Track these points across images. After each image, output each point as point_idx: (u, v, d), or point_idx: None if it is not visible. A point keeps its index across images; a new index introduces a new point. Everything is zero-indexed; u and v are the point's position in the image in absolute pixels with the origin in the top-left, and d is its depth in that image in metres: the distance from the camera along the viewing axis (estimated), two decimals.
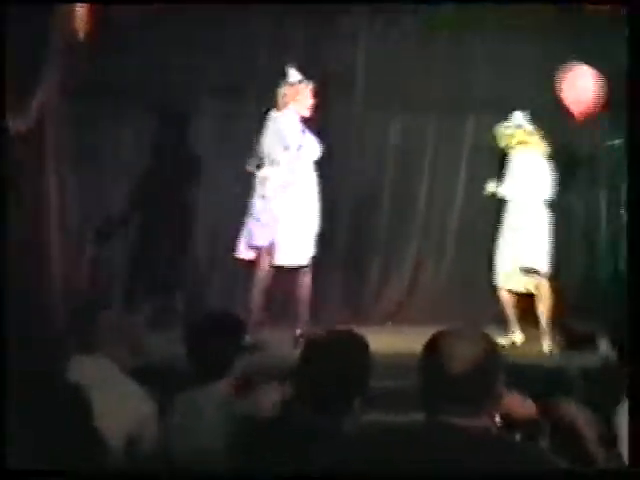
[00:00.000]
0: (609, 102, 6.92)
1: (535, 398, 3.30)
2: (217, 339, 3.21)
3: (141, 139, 6.74)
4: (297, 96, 5.71)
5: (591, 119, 6.52)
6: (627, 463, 3.02)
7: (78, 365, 3.13)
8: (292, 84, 5.73)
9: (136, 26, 6.26)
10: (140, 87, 6.53)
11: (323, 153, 5.97)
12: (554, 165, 6.41)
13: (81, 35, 5.21)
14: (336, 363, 2.48)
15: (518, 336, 6.33)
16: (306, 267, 5.83)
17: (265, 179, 5.69)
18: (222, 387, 3.16)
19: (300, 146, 5.69)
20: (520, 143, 6.38)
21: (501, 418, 2.88)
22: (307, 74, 5.85)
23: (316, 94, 5.82)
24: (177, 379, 3.36)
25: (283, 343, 5.50)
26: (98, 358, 3.22)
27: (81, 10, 5.10)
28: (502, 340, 5.98)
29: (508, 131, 6.40)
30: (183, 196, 6.75)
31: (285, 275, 5.86)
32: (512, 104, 6.51)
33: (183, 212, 6.75)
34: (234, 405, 3.08)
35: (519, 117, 6.39)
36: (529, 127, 6.38)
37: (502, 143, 6.46)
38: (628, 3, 4.22)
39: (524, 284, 6.31)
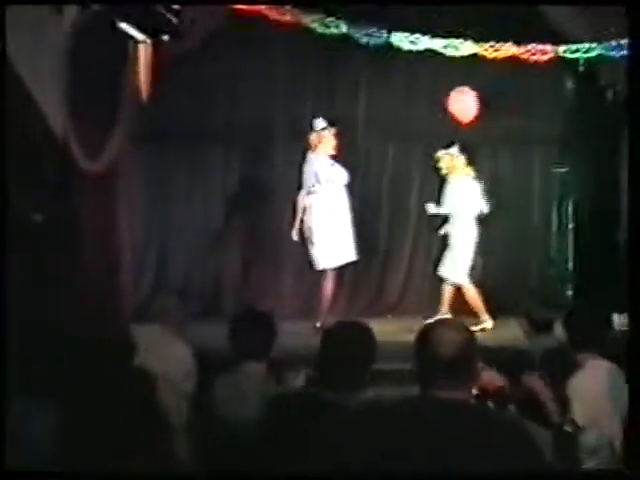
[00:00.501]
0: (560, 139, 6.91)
1: (505, 374, 3.28)
2: (256, 330, 3.20)
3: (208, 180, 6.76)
4: (323, 139, 5.91)
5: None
6: (580, 426, 2.98)
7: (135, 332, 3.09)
8: (318, 131, 5.92)
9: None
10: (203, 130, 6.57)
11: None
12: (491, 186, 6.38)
13: (145, 94, 5.20)
14: (348, 349, 2.48)
15: (489, 323, 6.29)
16: (332, 271, 5.93)
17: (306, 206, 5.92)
18: (258, 368, 3.14)
19: (329, 179, 5.89)
20: (451, 168, 6.36)
21: (478, 391, 2.86)
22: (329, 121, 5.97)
23: (338, 136, 5.95)
24: (222, 361, 3.36)
25: (307, 333, 5.47)
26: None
27: (144, 71, 5.09)
28: (475, 327, 5.96)
29: (443, 158, 6.38)
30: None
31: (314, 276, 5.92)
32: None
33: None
34: (267, 383, 3.07)
35: (453, 147, 6.38)
36: (458, 155, 6.35)
37: (441, 167, 6.42)
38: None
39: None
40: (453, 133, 6.93)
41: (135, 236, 6.00)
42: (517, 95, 7.01)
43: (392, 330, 5.46)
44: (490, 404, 2.98)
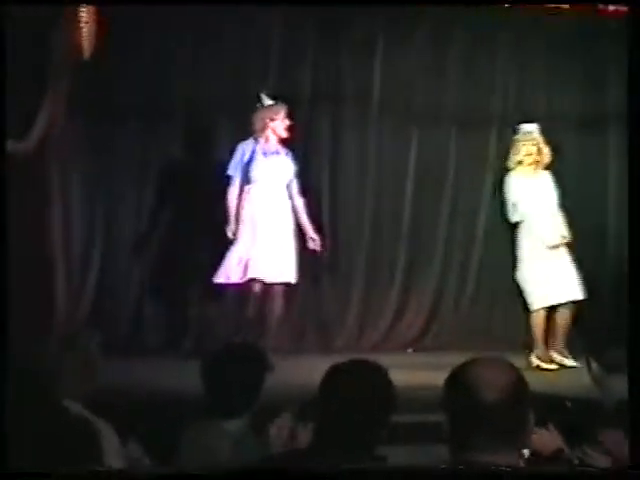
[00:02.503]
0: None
1: (564, 430, 3.29)
2: (239, 373, 3.18)
3: (148, 158, 6.77)
4: (273, 120, 5.95)
5: None
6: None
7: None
8: (266, 108, 5.97)
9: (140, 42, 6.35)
10: (144, 104, 6.60)
11: (342, 174, 6.12)
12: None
13: (86, 53, 5.23)
14: (353, 397, 2.48)
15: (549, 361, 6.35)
16: (284, 285, 5.97)
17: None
18: (239, 423, 3.14)
19: (262, 173, 5.93)
20: (536, 160, 6.42)
21: (531, 454, 2.87)
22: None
23: (290, 115, 6.02)
24: (188, 412, 3.36)
25: (301, 372, 5.50)
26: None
27: (86, 27, 5.13)
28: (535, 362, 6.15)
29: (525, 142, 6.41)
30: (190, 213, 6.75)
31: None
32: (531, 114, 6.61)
33: (193, 232, 6.74)
34: (250, 443, 3.07)
35: (533, 127, 6.43)
36: (540, 138, 6.42)
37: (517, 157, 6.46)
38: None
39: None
40: (493, 111, 7.04)
41: (72, 236, 6.02)
42: (583, 59, 7.08)
43: (413, 369, 5.48)
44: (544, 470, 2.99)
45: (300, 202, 6.13)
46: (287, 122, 6.02)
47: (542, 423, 3.15)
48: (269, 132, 5.97)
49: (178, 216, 6.71)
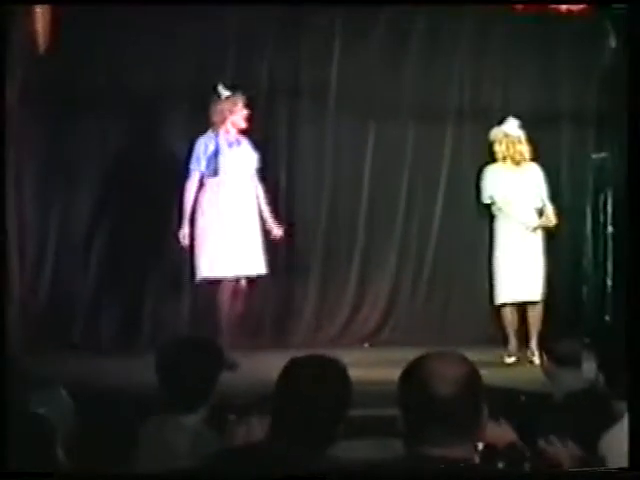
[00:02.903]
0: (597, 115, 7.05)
1: (518, 425, 3.34)
2: (195, 367, 3.19)
3: (105, 153, 6.73)
4: (232, 111, 5.93)
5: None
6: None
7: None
8: (224, 100, 5.94)
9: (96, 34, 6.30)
10: (98, 99, 6.55)
11: (299, 167, 6.13)
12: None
13: (41, 45, 5.19)
14: (312, 391, 2.50)
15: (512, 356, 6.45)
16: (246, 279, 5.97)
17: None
18: (196, 418, 3.15)
19: (227, 164, 5.90)
20: (511, 152, 6.48)
21: (484, 447, 2.91)
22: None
23: (248, 105, 6.00)
24: (144, 407, 3.36)
25: (258, 367, 5.52)
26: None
27: (41, 20, 5.09)
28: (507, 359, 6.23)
29: (502, 140, 6.48)
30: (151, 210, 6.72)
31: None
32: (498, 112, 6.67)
33: (151, 229, 6.72)
34: (207, 436, 3.08)
35: (513, 124, 6.49)
36: (522, 135, 6.49)
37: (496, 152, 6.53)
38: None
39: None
40: (455, 107, 7.10)
41: (26, 231, 5.97)
42: (542, 58, 7.16)
43: (370, 364, 5.50)
44: (499, 465, 3.04)
45: (261, 192, 6.12)
46: (245, 112, 6.00)
47: (495, 417, 3.20)
48: (228, 124, 5.95)
49: (133, 211, 6.67)
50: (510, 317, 6.52)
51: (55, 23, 5.28)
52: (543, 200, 6.54)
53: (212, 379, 3.21)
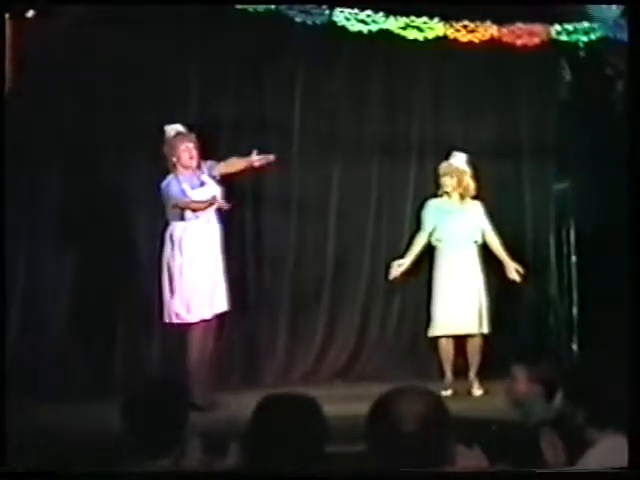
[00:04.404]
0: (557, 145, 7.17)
1: (490, 455, 3.37)
2: (161, 410, 3.18)
3: (68, 200, 6.72)
4: (179, 150, 5.94)
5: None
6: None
7: None
8: (173, 139, 5.97)
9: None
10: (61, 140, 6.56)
11: (265, 203, 6.25)
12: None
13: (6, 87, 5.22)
14: (288, 430, 2.52)
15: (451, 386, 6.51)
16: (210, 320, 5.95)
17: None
18: (166, 463, 3.14)
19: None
20: (459, 187, 6.57)
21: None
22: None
23: (202, 143, 6.03)
24: (115, 453, 3.35)
25: (230, 406, 5.52)
26: None
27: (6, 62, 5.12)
28: (445, 392, 6.20)
29: (452, 173, 6.57)
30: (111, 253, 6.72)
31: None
32: (452, 145, 6.76)
33: (115, 270, 6.72)
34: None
35: (461, 158, 6.60)
36: (468, 169, 6.59)
37: (445, 185, 6.61)
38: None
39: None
40: (413, 141, 7.20)
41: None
42: (499, 90, 7.29)
43: (340, 400, 5.52)
44: None
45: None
46: (193, 150, 5.97)
47: (467, 443, 3.23)
48: (178, 163, 5.95)
49: (100, 255, 6.65)
50: (445, 349, 6.60)
51: (19, 63, 5.27)
52: (485, 236, 6.62)
53: (180, 424, 3.21)
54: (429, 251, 6.69)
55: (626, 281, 6.55)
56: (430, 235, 6.63)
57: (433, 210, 6.65)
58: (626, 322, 5.72)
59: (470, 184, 6.61)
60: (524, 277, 6.64)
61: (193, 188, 5.95)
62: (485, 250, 6.64)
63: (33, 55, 5.74)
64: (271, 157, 6.06)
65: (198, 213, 5.93)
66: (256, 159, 6.00)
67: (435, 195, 6.72)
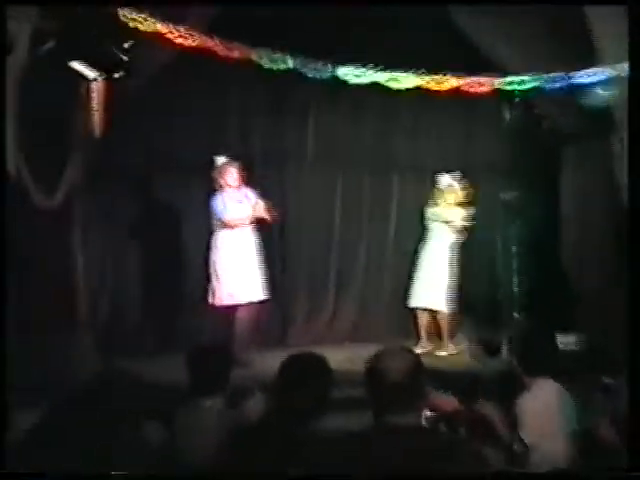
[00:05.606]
0: (503, 164, 7.16)
1: (459, 398, 3.38)
2: (210, 363, 3.22)
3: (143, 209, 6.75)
4: (225, 175, 5.96)
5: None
6: (528, 446, 3.07)
7: None
8: (220, 166, 6.00)
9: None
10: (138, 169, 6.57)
11: (286, 212, 6.34)
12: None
13: (97, 130, 5.23)
14: (303, 379, 2.54)
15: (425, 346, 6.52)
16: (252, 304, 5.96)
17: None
18: (216, 401, 3.17)
19: (228, 215, 5.88)
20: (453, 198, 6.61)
21: (431, 414, 2.94)
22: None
23: (243, 169, 6.04)
24: (179, 396, 3.37)
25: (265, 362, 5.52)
26: None
27: (96, 112, 5.12)
28: (417, 349, 6.18)
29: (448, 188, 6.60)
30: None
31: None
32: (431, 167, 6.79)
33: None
34: (226, 415, 3.10)
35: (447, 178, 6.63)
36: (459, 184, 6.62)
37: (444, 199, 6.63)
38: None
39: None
40: (399, 163, 7.19)
41: (89, 275, 5.94)
42: (462, 125, 7.27)
43: (348, 358, 5.52)
44: (442, 427, 3.07)
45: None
46: (236, 175, 5.99)
47: (444, 390, 3.24)
48: (225, 184, 5.95)
49: (165, 255, 6.68)
50: (420, 318, 6.60)
51: (108, 111, 5.27)
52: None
53: (226, 372, 3.24)
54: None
55: (557, 263, 6.58)
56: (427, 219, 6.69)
57: (430, 209, 6.70)
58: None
59: (457, 195, 6.63)
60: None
61: (233, 204, 5.94)
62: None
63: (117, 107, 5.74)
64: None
65: (238, 223, 5.93)
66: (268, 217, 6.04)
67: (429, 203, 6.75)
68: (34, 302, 4.66)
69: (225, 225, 5.94)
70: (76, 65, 4.63)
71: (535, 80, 5.66)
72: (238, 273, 5.92)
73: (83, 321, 5.37)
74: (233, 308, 5.93)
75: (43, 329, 4.59)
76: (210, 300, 6.00)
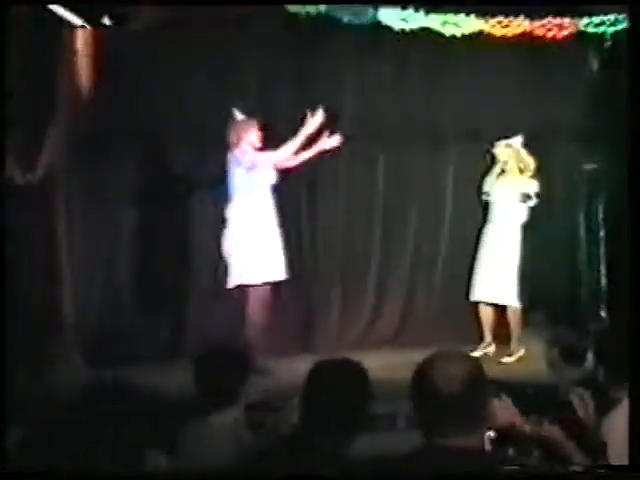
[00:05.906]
0: (584, 128, 7.04)
1: (527, 414, 3.32)
2: (223, 370, 3.22)
3: (139, 178, 6.72)
4: (246, 132, 5.97)
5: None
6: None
7: None
8: (239, 123, 6.00)
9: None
10: (134, 132, 6.49)
11: (318, 183, 6.32)
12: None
13: (84, 87, 5.23)
14: (337, 390, 2.51)
15: (489, 349, 6.49)
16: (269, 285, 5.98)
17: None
18: (231, 414, 3.17)
19: (251, 167, 5.90)
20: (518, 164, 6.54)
21: (494, 432, 2.89)
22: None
23: (263, 127, 6.05)
24: (188, 408, 3.37)
25: (288, 369, 5.50)
26: None
27: (83, 60, 5.13)
28: (477, 352, 6.19)
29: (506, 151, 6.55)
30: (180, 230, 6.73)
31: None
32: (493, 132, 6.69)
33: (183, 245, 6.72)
34: (243, 430, 3.09)
35: (517, 141, 6.58)
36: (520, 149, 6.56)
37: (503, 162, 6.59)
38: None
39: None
40: (455, 127, 7.09)
41: (79, 261, 5.97)
42: (532, 80, 7.14)
43: (389, 365, 5.48)
44: (510, 452, 3.02)
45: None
46: (259, 133, 6.01)
47: (497, 396, 3.19)
48: (244, 144, 5.95)
49: (172, 226, 6.67)
50: (484, 315, 6.52)
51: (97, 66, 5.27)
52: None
53: (241, 383, 3.23)
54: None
55: None
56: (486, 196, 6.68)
57: (489, 180, 6.67)
58: None
59: (525, 162, 6.55)
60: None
61: (251, 169, 5.92)
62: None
63: (109, 60, 5.72)
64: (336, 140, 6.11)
65: (254, 191, 5.92)
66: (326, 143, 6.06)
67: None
68: (12, 299, 4.69)
69: (248, 184, 5.90)
70: (57, 9, 4.63)
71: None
72: (254, 247, 5.92)
73: (69, 323, 5.41)
74: (246, 294, 5.92)
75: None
76: (222, 283, 6.01)
